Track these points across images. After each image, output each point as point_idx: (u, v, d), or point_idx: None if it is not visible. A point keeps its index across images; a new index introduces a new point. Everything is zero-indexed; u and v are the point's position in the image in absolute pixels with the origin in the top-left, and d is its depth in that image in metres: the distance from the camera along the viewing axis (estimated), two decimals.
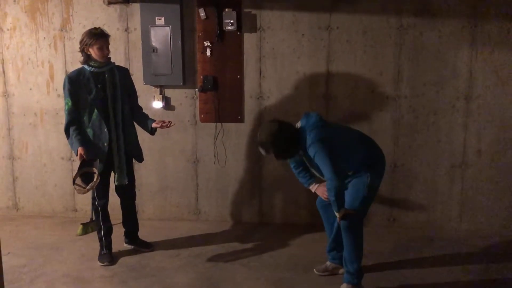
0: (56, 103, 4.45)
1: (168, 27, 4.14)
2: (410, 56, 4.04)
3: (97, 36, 3.37)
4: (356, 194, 3.06)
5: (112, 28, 4.24)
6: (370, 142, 3.20)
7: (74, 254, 3.78)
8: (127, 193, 3.74)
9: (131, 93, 3.66)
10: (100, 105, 3.44)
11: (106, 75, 3.47)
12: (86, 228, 4.21)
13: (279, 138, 2.98)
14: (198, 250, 3.83)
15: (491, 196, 4.14)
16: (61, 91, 4.42)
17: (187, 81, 4.27)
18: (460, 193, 4.17)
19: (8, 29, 4.40)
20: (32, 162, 4.59)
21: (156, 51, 4.17)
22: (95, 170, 3.37)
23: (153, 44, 4.17)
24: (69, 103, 3.42)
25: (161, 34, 4.15)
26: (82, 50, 3.43)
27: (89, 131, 3.46)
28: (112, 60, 3.57)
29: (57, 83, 4.42)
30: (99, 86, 3.43)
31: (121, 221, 3.84)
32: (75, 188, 3.41)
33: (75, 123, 3.43)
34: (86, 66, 3.45)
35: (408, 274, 3.40)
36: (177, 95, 4.33)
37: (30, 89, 4.47)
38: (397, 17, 3.99)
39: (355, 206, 3.03)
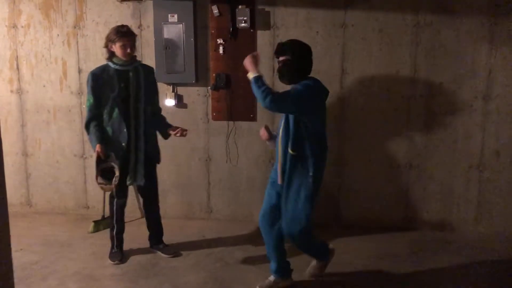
0: (69, 100, 4.46)
1: (181, 24, 4.11)
2: (427, 54, 3.95)
3: (121, 34, 3.30)
4: (301, 194, 2.94)
5: None
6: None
7: (85, 251, 3.78)
8: (148, 195, 3.66)
9: (153, 93, 3.58)
10: (121, 104, 3.36)
11: (131, 74, 3.39)
12: (98, 225, 4.18)
13: (300, 52, 2.94)
14: (209, 249, 3.81)
15: (509, 198, 4.04)
16: (74, 88, 4.45)
17: (199, 79, 4.24)
18: (477, 195, 4.07)
19: (22, 26, 4.42)
20: (45, 159, 4.61)
21: (169, 49, 4.15)
22: (113, 164, 3.34)
23: (166, 41, 4.14)
24: (91, 100, 3.36)
25: (174, 31, 4.13)
26: (106, 46, 3.38)
27: (109, 130, 3.40)
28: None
29: (70, 81, 4.43)
30: (122, 85, 3.36)
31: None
32: (101, 187, 3.39)
33: (96, 119, 3.38)
34: (110, 63, 3.38)
35: (423, 277, 3.33)
36: (190, 93, 4.30)
37: (44, 86, 4.49)
38: (413, 14, 3.91)
39: (307, 209, 2.94)
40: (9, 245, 1.75)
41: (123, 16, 4.25)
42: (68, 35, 4.37)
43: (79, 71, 4.40)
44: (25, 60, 4.47)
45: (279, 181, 3.00)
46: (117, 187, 3.42)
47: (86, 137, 4.44)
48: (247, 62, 2.94)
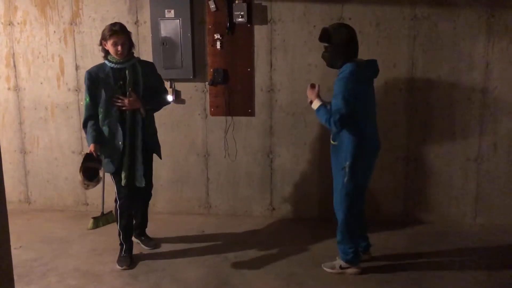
0: (66, 97, 4.45)
1: (178, 20, 4.10)
2: (424, 48, 3.95)
3: (112, 32, 3.23)
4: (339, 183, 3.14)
5: (122, 21, 4.14)
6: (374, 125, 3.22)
7: (84, 248, 3.78)
8: (142, 194, 3.60)
9: (157, 87, 3.49)
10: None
11: (127, 72, 3.31)
12: (97, 222, 4.21)
13: (342, 36, 3.06)
14: (209, 244, 3.81)
15: (507, 190, 4.05)
16: (71, 85, 4.44)
17: (197, 74, 4.23)
18: (475, 187, 4.09)
19: (18, 23, 4.40)
20: (43, 156, 4.60)
21: (166, 44, 4.14)
22: (100, 166, 3.31)
23: (163, 37, 4.13)
24: (87, 99, 3.31)
25: (171, 27, 4.11)
26: (101, 44, 3.32)
27: (105, 129, 3.32)
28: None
29: (67, 77, 4.42)
30: (120, 83, 3.28)
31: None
32: (79, 182, 3.36)
33: (93, 118, 3.32)
34: (106, 62, 3.32)
35: (422, 269, 3.34)
36: (187, 89, 4.30)
37: (41, 83, 4.47)
38: (411, 7, 3.90)
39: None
40: (9, 242, 1.75)
41: (120, 12, 4.24)
42: (64, 32, 4.35)
43: (76, 67, 4.39)
44: (21, 57, 4.46)
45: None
46: (118, 188, 3.40)
47: (84, 134, 4.45)
48: (309, 93, 3.15)
